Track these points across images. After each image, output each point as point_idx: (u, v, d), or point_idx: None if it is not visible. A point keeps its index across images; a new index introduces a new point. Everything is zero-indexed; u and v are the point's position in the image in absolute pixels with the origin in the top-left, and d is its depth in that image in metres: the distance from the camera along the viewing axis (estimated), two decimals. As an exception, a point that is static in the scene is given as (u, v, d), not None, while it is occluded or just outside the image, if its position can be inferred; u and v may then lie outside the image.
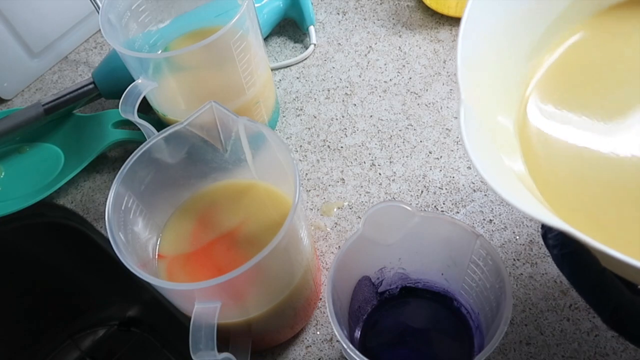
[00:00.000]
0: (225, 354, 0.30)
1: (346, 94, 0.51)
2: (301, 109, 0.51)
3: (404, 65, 0.52)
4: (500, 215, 0.42)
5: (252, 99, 0.44)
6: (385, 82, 0.51)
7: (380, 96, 0.50)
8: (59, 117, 0.51)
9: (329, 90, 0.51)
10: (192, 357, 0.28)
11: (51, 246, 0.56)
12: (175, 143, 0.34)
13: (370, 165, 0.46)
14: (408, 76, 0.51)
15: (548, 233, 0.24)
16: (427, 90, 0.50)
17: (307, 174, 0.46)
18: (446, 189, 0.44)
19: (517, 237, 0.40)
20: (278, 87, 0.52)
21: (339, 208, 0.44)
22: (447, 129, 0.47)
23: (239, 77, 0.41)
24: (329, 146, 0.48)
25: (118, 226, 0.31)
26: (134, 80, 0.39)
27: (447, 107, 0.48)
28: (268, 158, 0.35)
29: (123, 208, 0.32)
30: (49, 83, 0.58)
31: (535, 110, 0.27)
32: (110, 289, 0.63)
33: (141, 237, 0.34)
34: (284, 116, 0.50)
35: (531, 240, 0.40)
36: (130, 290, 0.61)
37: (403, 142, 0.47)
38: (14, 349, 0.63)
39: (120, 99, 0.39)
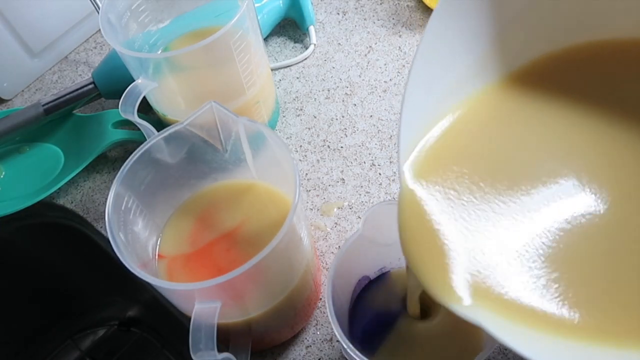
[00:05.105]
0: (225, 354, 0.30)
1: (346, 94, 0.51)
2: (301, 109, 0.51)
3: (404, 65, 0.52)
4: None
5: (252, 99, 0.44)
6: (385, 82, 0.51)
7: (380, 96, 0.50)
8: (59, 117, 0.51)
9: (329, 90, 0.51)
10: (192, 357, 0.28)
11: (51, 246, 0.55)
12: (175, 143, 0.34)
13: (370, 165, 0.46)
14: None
15: None
16: (427, 90, 0.50)
17: (307, 174, 0.46)
18: (446, 189, 0.44)
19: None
20: (278, 87, 0.52)
21: (339, 208, 0.44)
22: (447, 129, 0.47)
23: (239, 77, 0.41)
24: (329, 146, 0.48)
25: (118, 226, 0.31)
26: (134, 80, 0.39)
27: (447, 107, 0.48)
28: (268, 158, 0.35)
29: (123, 208, 0.32)
30: (49, 83, 0.58)
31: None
32: (110, 289, 0.63)
33: (141, 237, 0.34)
34: (284, 116, 0.50)
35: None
36: (130, 290, 0.61)
37: (403, 142, 0.47)
38: (14, 348, 0.63)
39: (120, 99, 0.39)
